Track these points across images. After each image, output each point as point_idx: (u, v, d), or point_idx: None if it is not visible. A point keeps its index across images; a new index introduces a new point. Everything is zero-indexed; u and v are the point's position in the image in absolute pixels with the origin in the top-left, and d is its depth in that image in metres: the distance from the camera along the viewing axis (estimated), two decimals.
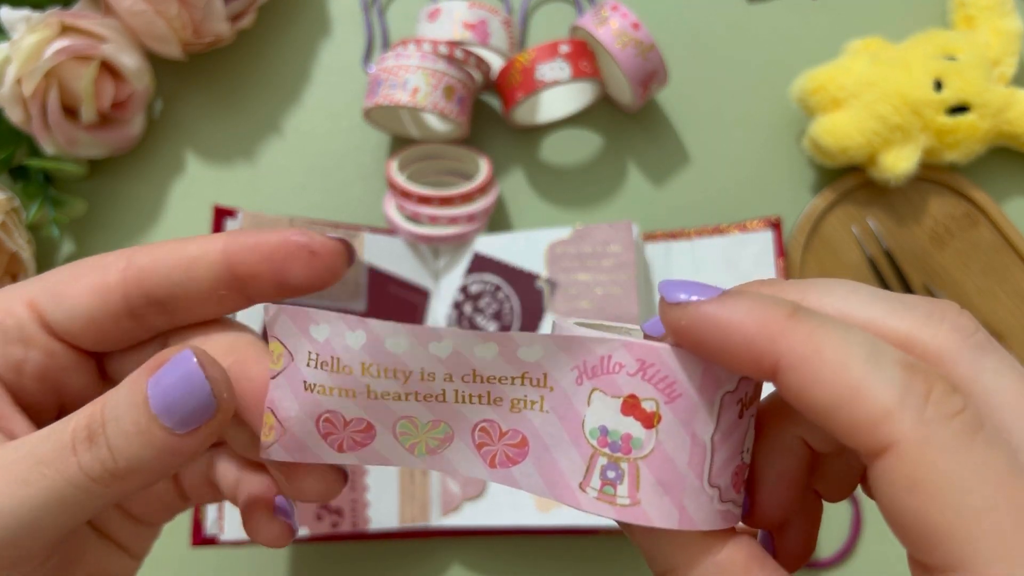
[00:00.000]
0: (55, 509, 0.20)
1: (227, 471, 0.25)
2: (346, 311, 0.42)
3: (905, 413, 0.16)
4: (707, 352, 0.19)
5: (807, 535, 0.23)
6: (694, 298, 0.19)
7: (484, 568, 0.47)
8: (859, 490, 0.50)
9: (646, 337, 0.20)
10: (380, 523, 0.44)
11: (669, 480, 0.20)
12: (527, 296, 0.47)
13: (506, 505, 0.44)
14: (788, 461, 0.22)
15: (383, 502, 0.45)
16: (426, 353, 0.21)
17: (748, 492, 0.22)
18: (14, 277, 0.47)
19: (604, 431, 0.20)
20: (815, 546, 0.23)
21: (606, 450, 0.20)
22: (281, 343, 0.22)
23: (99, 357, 0.24)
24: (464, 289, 0.48)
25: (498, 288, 0.47)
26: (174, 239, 0.23)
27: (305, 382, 0.21)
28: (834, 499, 0.23)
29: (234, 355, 0.22)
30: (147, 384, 0.20)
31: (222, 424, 0.21)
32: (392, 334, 0.21)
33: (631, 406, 0.20)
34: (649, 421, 0.20)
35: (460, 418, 0.21)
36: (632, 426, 0.20)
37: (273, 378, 0.22)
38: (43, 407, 0.24)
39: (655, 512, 0.20)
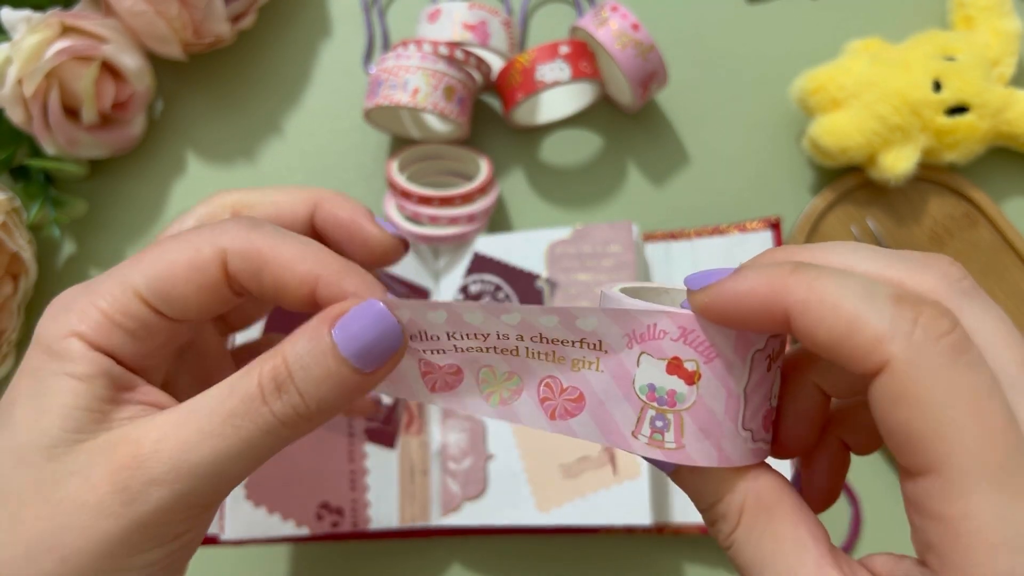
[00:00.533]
0: (246, 455, 0.23)
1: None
2: None
3: (895, 336, 0.19)
4: (732, 321, 0.22)
5: (832, 482, 0.26)
6: (711, 282, 0.22)
7: (484, 567, 0.48)
8: (859, 489, 0.49)
9: (688, 295, 0.23)
10: (380, 523, 0.45)
11: (709, 427, 0.24)
12: (527, 296, 0.47)
13: (506, 505, 0.44)
14: (805, 403, 0.25)
15: (383, 502, 0.45)
16: (499, 321, 0.25)
17: (773, 430, 0.25)
18: (15, 277, 0.47)
19: (652, 388, 0.24)
20: (839, 494, 0.27)
21: (654, 404, 0.24)
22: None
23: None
24: (464, 289, 0.48)
25: (498, 288, 0.47)
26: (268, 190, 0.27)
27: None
28: (862, 452, 0.26)
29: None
30: (331, 333, 0.23)
31: (400, 357, 0.24)
32: (468, 311, 0.24)
33: (675, 366, 0.24)
34: (691, 379, 0.23)
35: (529, 372, 0.25)
36: (676, 383, 0.24)
37: None
38: (179, 374, 0.27)
39: (697, 453, 0.24)
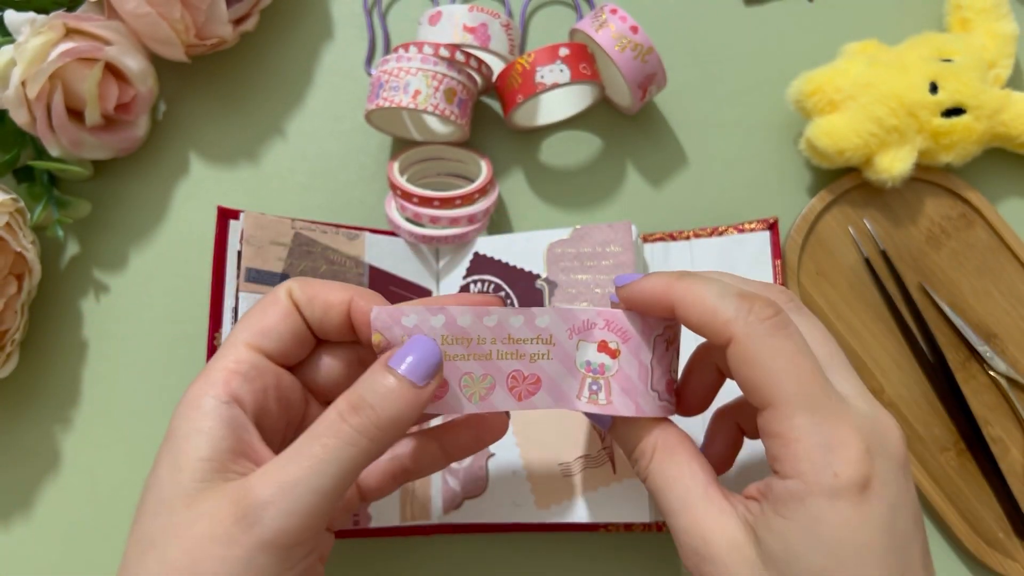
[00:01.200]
0: (336, 468, 0.29)
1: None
2: None
3: (737, 319, 0.29)
4: (639, 308, 0.33)
5: (727, 454, 0.39)
6: (628, 282, 0.33)
7: (484, 564, 0.48)
8: None
9: (616, 289, 0.35)
10: (381, 522, 0.45)
11: (628, 388, 0.34)
12: (527, 296, 0.47)
13: (506, 503, 0.44)
14: (705, 378, 0.36)
15: (384, 500, 0.45)
16: (480, 324, 0.33)
17: (678, 395, 0.36)
18: (19, 277, 0.48)
19: (588, 363, 0.35)
20: (731, 464, 0.39)
21: (591, 374, 0.35)
22: (380, 333, 0.33)
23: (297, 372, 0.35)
24: (465, 289, 0.48)
25: (498, 288, 0.48)
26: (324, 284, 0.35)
27: None
28: (751, 437, 0.38)
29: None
30: (388, 364, 0.31)
31: (441, 370, 0.32)
32: (461, 314, 0.33)
33: (603, 347, 0.35)
34: (614, 355, 0.35)
35: (499, 370, 0.34)
36: (604, 359, 0.35)
37: (380, 355, 0.33)
38: (277, 428, 0.33)
39: (621, 407, 0.34)
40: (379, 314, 0.33)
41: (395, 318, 0.33)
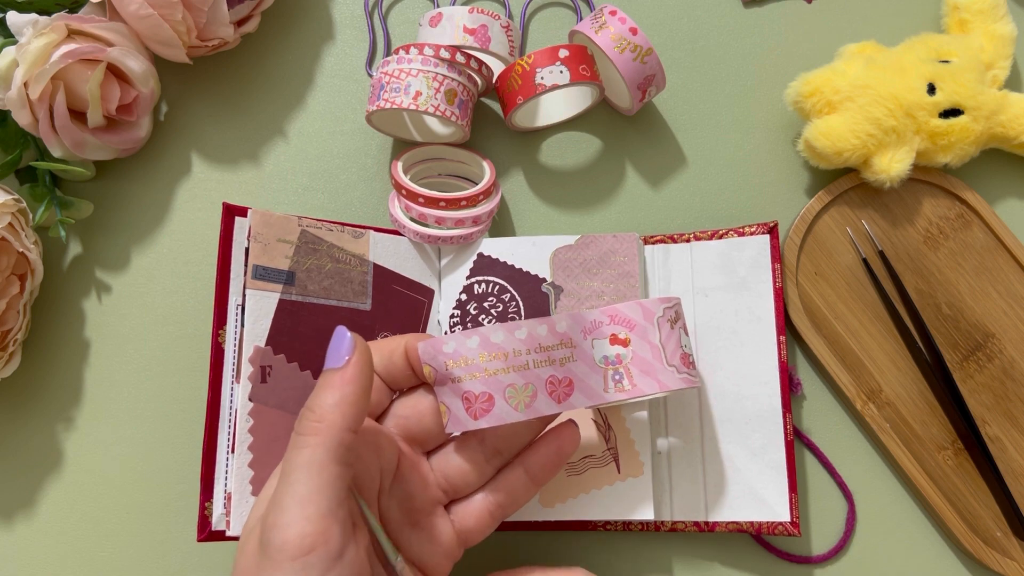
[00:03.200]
0: (303, 475, 0.32)
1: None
2: (354, 310, 0.46)
3: None
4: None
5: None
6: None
7: (489, 561, 0.48)
8: (855, 488, 0.50)
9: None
10: None
11: (647, 369, 0.38)
12: (533, 298, 0.47)
13: None
14: None
15: None
16: (513, 338, 0.37)
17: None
18: (21, 278, 0.48)
19: (606, 358, 0.38)
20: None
21: (610, 367, 0.38)
22: (429, 365, 0.37)
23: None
24: (468, 289, 0.48)
25: (503, 289, 0.48)
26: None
27: (450, 377, 0.37)
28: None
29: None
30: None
31: (361, 357, 0.35)
32: (493, 332, 0.37)
33: (614, 339, 0.38)
34: (625, 344, 0.38)
35: (537, 378, 0.37)
36: (619, 350, 0.38)
37: (435, 386, 0.38)
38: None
39: (645, 387, 0.38)
40: (425, 348, 0.37)
41: (437, 348, 0.37)
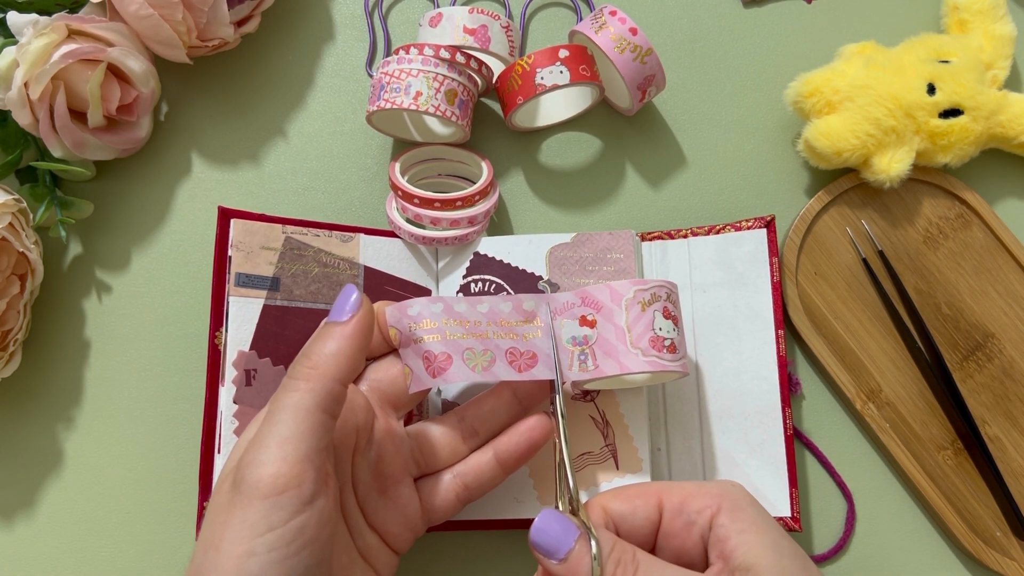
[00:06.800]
0: (289, 416, 0.33)
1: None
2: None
3: None
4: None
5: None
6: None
7: (487, 559, 0.48)
8: (854, 488, 0.50)
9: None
10: None
11: (609, 351, 0.39)
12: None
13: (509, 498, 0.45)
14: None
15: None
16: (475, 311, 0.40)
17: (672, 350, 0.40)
18: (21, 277, 0.48)
19: (573, 338, 0.40)
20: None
21: (577, 346, 0.40)
22: (395, 328, 0.39)
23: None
24: (465, 288, 0.48)
25: (500, 287, 0.48)
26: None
27: (413, 339, 0.39)
28: None
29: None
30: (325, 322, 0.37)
31: (364, 315, 0.36)
32: (457, 302, 0.40)
33: (583, 320, 0.40)
34: (592, 325, 0.40)
35: (497, 347, 0.39)
36: (586, 331, 0.40)
37: (400, 348, 0.40)
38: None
39: (607, 368, 0.39)
40: (391, 311, 0.39)
41: (403, 311, 0.39)
